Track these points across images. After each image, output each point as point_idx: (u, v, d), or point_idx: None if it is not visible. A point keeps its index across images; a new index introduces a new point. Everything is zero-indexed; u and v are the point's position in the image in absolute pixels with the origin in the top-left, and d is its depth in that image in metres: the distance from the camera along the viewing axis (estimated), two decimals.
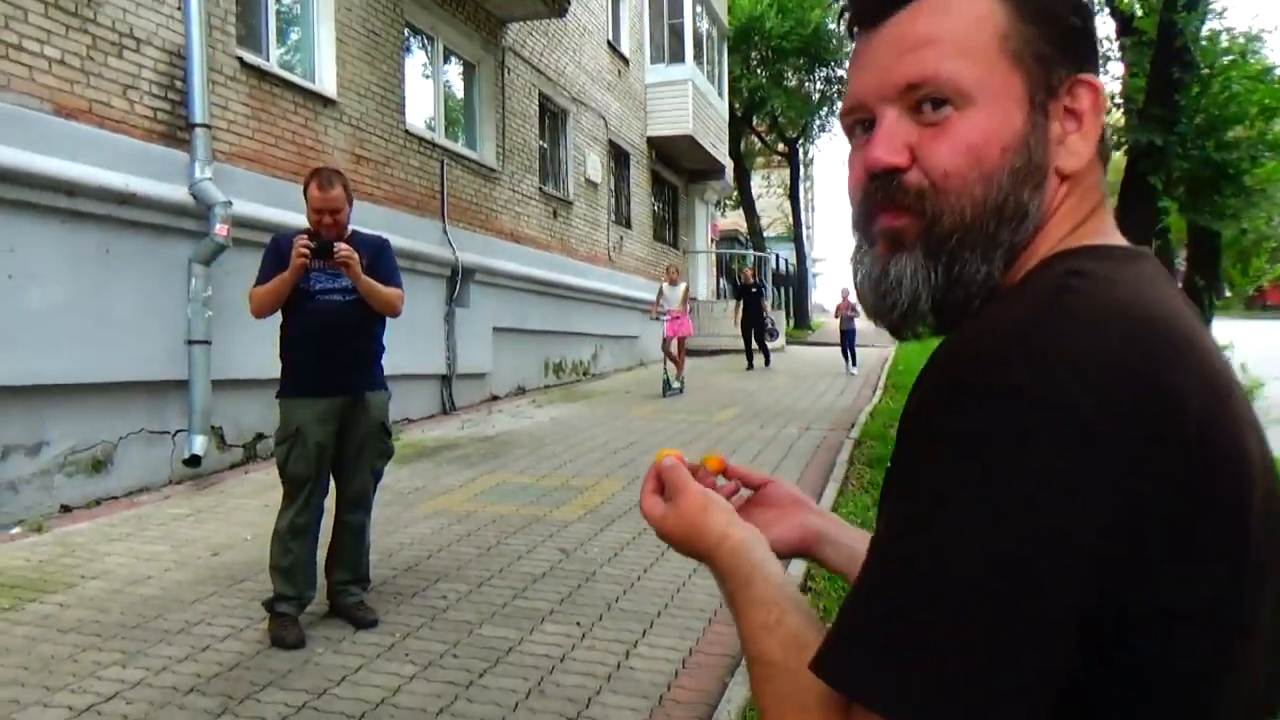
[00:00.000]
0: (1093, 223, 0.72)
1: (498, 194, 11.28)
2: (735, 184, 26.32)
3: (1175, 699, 0.59)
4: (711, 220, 23.51)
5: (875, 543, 0.61)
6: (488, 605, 4.01)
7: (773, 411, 10.02)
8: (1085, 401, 0.55)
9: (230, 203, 6.36)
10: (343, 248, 3.52)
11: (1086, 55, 0.72)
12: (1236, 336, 9.71)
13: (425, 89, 10.40)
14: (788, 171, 31.99)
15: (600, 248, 14.75)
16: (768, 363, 15.87)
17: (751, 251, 24.78)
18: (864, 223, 0.74)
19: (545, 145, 13.13)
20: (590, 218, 14.44)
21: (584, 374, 13.76)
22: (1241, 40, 8.54)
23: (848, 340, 15.03)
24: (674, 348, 11.97)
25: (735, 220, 32.91)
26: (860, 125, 0.74)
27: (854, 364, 14.96)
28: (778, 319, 21.34)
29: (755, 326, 15.68)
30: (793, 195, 31.40)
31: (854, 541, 0.92)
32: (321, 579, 3.82)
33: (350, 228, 3.81)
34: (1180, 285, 9.89)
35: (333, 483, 3.83)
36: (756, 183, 33.48)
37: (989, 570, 0.54)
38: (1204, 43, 8.03)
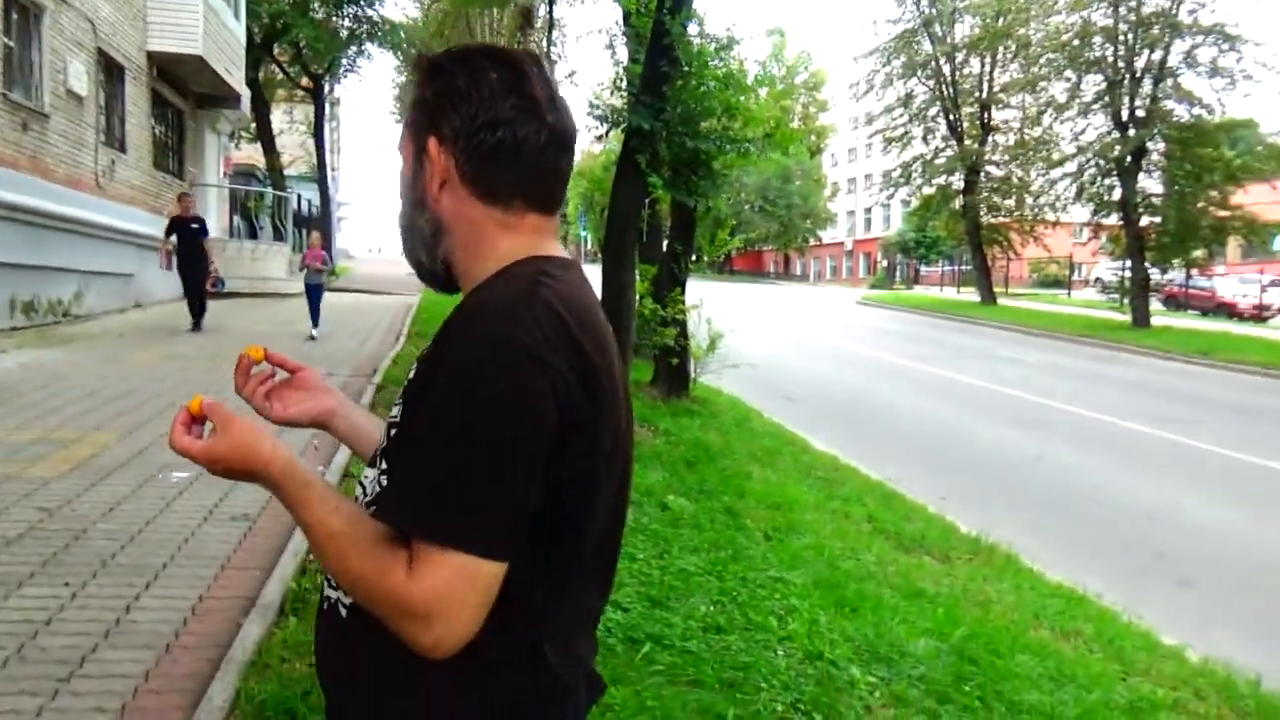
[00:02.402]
0: (537, 239, 1.10)
1: None
2: (253, 115, 24.44)
3: (565, 531, 1.03)
4: (225, 152, 21.62)
5: (411, 436, 1.00)
6: None
7: (295, 357, 9.71)
8: (545, 349, 0.95)
9: None
10: None
11: (441, 116, 1.08)
12: (706, 295, 11.55)
13: None
14: (312, 108, 30.42)
15: (86, 171, 12.86)
16: (199, 324, 11.77)
17: (271, 190, 23.33)
18: None
19: (12, 44, 11.05)
20: (74, 135, 12.51)
21: (64, 315, 11.97)
22: (713, 46, 10.04)
23: (312, 298, 12.21)
24: None
25: (252, 154, 30.53)
26: None
27: (316, 326, 12.05)
28: (295, 262, 20.22)
29: (191, 275, 11.73)
30: (317, 133, 29.91)
31: (355, 417, 1.36)
32: None
33: None
34: (665, 248, 11.52)
35: None
36: (278, 118, 31.31)
37: (505, 444, 0.93)
38: (688, 43, 9.28)
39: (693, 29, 9.44)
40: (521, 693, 1.02)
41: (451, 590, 0.91)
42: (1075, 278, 40.24)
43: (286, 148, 31.90)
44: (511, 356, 0.93)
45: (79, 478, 4.88)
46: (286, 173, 28.84)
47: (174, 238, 11.80)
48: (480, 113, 1.05)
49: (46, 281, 11.44)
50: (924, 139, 34.11)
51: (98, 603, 3.36)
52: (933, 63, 32.55)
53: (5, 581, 3.47)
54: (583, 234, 59.25)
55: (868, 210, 62.39)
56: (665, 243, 11.62)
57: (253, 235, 21.23)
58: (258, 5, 22.97)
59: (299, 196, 26.10)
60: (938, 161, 33.34)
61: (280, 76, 29.38)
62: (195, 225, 11.93)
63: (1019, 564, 5.91)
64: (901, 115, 34.43)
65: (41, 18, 11.70)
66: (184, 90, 17.53)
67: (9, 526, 4.05)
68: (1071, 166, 26.97)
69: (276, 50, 26.49)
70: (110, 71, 14.18)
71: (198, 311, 11.84)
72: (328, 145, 32.11)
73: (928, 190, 34.25)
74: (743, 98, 9.95)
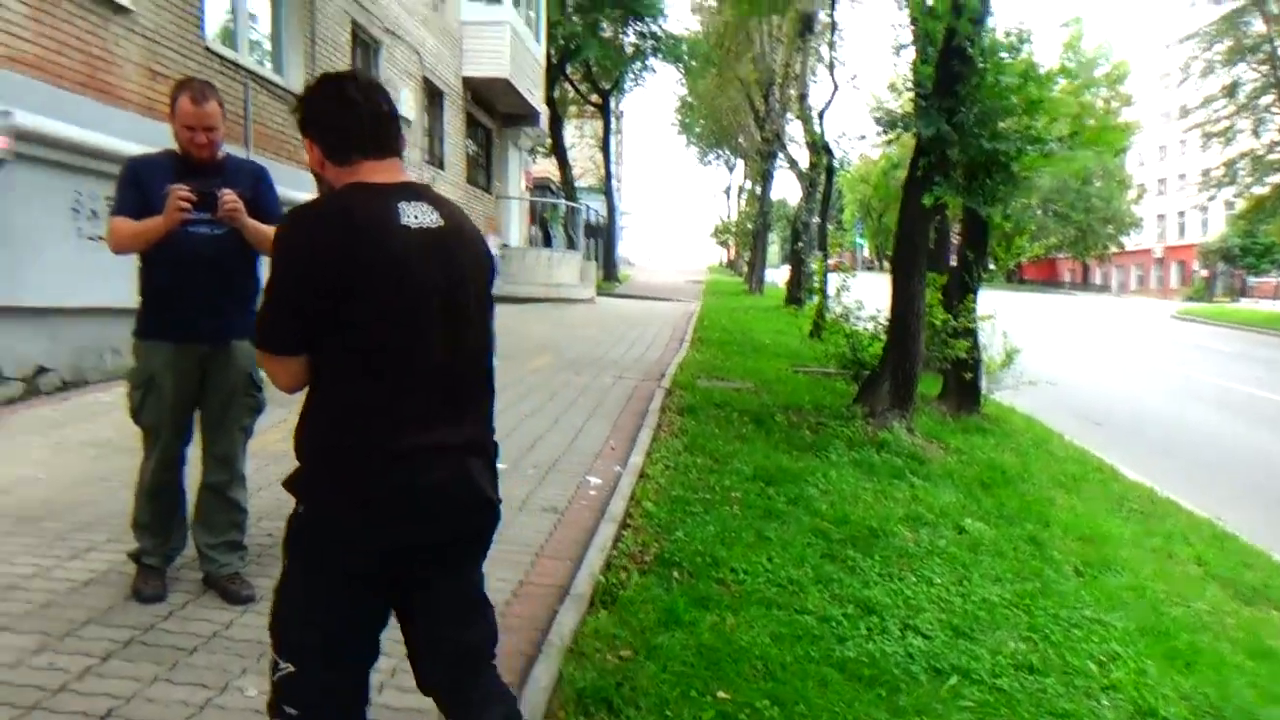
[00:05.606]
0: (366, 174, 1.83)
1: None
2: (549, 131, 26.20)
3: (357, 349, 1.76)
4: (525, 167, 23.31)
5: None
6: None
7: (585, 361, 10.28)
8: (305, 234, 1.76)
9: (10, 112, 5.78)
10: (228, 197, 3.12)
11: (310, 123, 1.87)
12: (998, 305, 10.81)
13: (224, 4, 9.71)
14: (600, 123, 32.12)
15: None
16: None
17: (564, 201, 24.87)
18: None
19: None
20: (403, 157, 14.03)
21: None
22: (1009, 38, 9.37)
23: None
24: None
25: (547, 168, 32.78)
26: None
27: None
28: (588, 270, 21.27)
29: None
30: (604, 146, 31.59)
31: None
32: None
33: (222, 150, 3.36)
34: (955, 260, 10.93)
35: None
36: (569, 132, 33.42)
37: (277, 286, 1.75)
38: (980, 39, 8.74)
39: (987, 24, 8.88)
40: (331, 426, 1.78)
41: (264, 364, 1.83)
42: None
43: (576, 161, 33.85)
44: (286, 238, 1.75)
45: None
46: (576, 184, 30.61)
47: None
48: (322, 117, 1.86)
49: None
50: (1254, 132, 30.03)
51: None
52: (1266, 45, 28.54)
53: None
54: (859, 241, 57.79)
55: (1181, 214, 55.94)
56: (956, 250, 11.06)
57: (547, 243, 22.73)
58: (554, 28, 24.63)
59: (587, 207, 27.59)
60: (1271, 157, 29.21)
61: (572, 94, 31.25)
62: None
63: None
64: (1226, 106, 30.56)
65: (379, 52, 13.25)
66: (492, 110, 19.12)
67: None
68: None
69: (569, 69, 28.24)
70: (433, 97, 15.77)
71: None
72: (612, 157, 33.71)
73: (1258, 190, 30.09)
74: (1043, 91, 9.23)
